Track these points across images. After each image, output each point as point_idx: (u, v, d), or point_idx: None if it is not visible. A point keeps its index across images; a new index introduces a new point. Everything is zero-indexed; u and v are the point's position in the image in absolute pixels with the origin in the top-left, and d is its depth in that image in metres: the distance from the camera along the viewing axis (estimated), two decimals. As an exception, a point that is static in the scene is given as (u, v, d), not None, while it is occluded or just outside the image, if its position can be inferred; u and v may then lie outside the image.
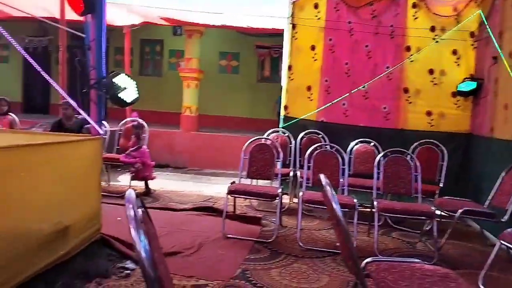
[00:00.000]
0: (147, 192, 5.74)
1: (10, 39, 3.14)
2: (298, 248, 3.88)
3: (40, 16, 6.68)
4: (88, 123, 5.17)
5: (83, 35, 3.50)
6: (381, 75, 5.59)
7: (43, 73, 3.01)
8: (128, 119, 6.44)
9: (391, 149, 4.59)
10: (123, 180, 6.43)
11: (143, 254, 1.18)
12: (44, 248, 2.51)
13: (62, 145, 2.86)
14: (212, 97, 10.48)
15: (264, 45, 10.81)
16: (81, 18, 6.32)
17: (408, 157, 4.58)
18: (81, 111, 3.18)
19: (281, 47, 6.28)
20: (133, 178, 5.64)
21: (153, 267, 1.20)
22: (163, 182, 6.42)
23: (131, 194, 1.34)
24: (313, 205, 4.11)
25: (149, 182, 5.79)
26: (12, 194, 2.29)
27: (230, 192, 4.19)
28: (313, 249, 3.86)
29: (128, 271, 2.98)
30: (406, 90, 5.69)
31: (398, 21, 5.67)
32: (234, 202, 4.85)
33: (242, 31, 9.05)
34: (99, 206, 3.33)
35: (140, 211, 1.34)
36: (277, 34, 7.29)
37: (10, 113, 5.86)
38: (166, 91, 10.57)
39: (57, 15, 6.98)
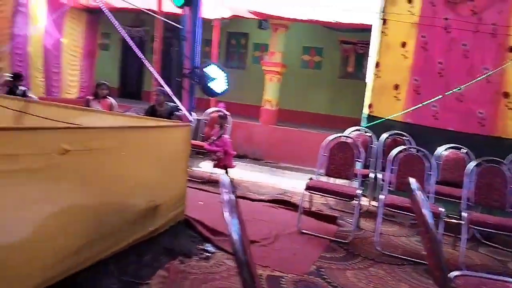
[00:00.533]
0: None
1: (119, 28, 3.44)
2: (375, 252, 3.76)
3: (140, 7, 7.22)
4: (178, 110, 5.52)
5: (180, 26, 3.70)
6: (481, 77, 5.15)
7: (145, 61, 3.24)
8: (213, 109, 6.70)
9: (486, 158, 4.23)
10: (204, 166, 6.72)
11: (235, 237, 1.22)
12: (138, 223, 2.73)
13: (157, 129, 3.07)
14: (292, 91, 10.48)
15: (349, 41, 10.52)
16: (176, 11, 6.69)
17: (505, 168, 4.18)
18: (175, 99, 3.38)
19: (367, 43, 6.07)
20: (214, 166, 5.88)
21: (244, 251, 1.24)
22: (241, 172, 6.59)
23: (226, 179, 1.40)
24: (395, 210, 3.95)
25: (229, 170, 5.98)
26: (114, 170, 2.52)
27: (308, 188, 4.18)
28: (392, 255, 3.72)
29: (209, 254, 3.13)
30: (506, 95, 5.18)
31: (502, 19, 5.17)
32: (311, 199, 4.83)
33: (327, 25, 8.90)
34: (185, 189, 3.53)
35: (233, 196, 1.39)
36: (364, 29, 7.06)
37: (109, 97, 6.37)
38: (248, 84, 10.79)
39: (154, 7, 7.47)
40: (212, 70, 3.28)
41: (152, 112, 5.67)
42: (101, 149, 2.36)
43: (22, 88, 6.56)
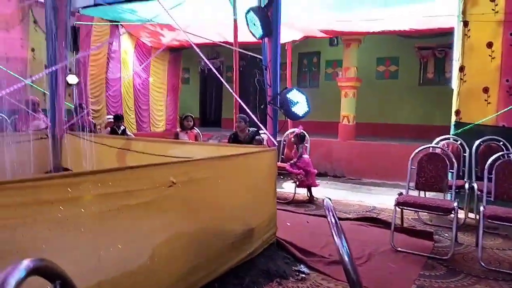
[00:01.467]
0: (311, 199, 5.98)
1: (206, 62, 3.73)
2: (479, 268, 3.51)
3: (218, 41, 7.68)
4: (258, 134, 5.73)
5: (259, 57, 3.90)
6: None
7: (230, 90, 3.45)
8: (291, 130, 6.82)
9: None
10: (287, 187, 6.83)
11: (346, 259, 1.27)
12: (236, 246, 2.88)
13: (247, 156, 3.24)
14: (369, 104, 10.28)
15: (427, 46, 10.11)
16: (252, 40, 7.01)
17: None
18: (260, 125, 3.54)
19: (447, 47, 5.80)
20: (297, 186, 5.96)
21: (355, 270, 1.28)
22: (324, 190, 6.58)
23: (328, 202, 1.46)
24: (497, 222, 3.66)
25: (312, 189, 6.02)
26: (212, 198, 2.71)
27: (398, 203, 4.05)
28: (498, 271, 3.44)
29: (304, 275, 3.18)
30: None
31: None
32: (402, 214, 4.66)
33: (402, 34, 8.67)
34: (275, 211, 3.64)
35: (336, 217, 1.44)
36: (441, 34, 6.76)
37: (195, 128, 6.82)
38: (323, 102, 10.81)
39: (230, 39, 7.90)
40: (294, 95, 3.40)
41: (234, 138, 5.96)
42: (201, 179, 2.57)
43: (122, 127, 7.29)
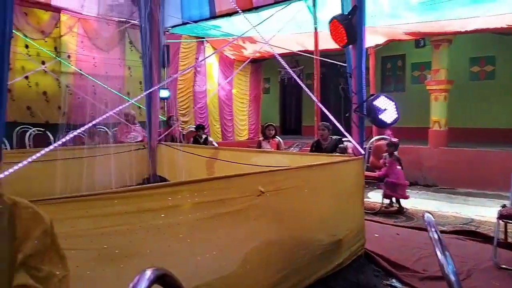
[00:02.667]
0: (400, 210, 5.69)
1: (290, 71, 3.77)
2: None
3: (298, 50, 7.74)
4: (342, 142, 5.62)
5: (343, 64, 3.85)
6: None
7: (314, 98, 3.45)
8: (377, 137, 6.58)
9: None
10: (373, 196, 6.58)
11: (452, 278, 1.19)
12: (324, 257, 2.85)
13: (334, 165, 3.20)
14: (462, 108, 9.53)
15: (529, 42, 9.10)
16: (331, 48, 6.93)
17: None
18: (345, 133, 3.47)
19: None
20: (384, 196, 5.72)
21: (462, 292, 1.20)
22: (414, 201, 6.21)
23: (430, 217, 1.38)
24: None
25: (402, 201, 5.73)
26: (299, 208, 2.72)
27: (502, 216, 3.69)
28: None
29: (396, 290, 3.03)
30: None
31: None
32: (506, 228, 4.22)
33: (499, 31, 7.91)
34: (363, 222, 3.53)
35: (439, 233, 1.36)
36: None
37: (277, 136, 6.91)
38: (410, 106, 10.26)
39: (310, 47, 7.90)
40: (381, 102, 3.28)
41: (317, 146, 5.91)
42: (288, 188, 2.60)
43: (204, 136, 7.65)
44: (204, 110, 10.23)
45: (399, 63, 11.40)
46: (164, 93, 7.44)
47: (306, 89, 3.95)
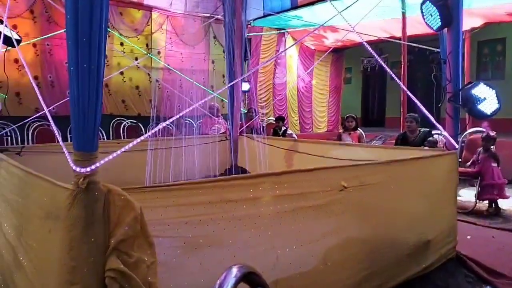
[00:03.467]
0: (496, 210, 5.15)
1: (377, 58, 3.55)
2: None
3: (384, 37, 7.35)
4: (431, 135, 5.21)
5: (435, 50, 3.55)
6: None
7: (403, 87, 3.23)
8: (473, 129, 6.02)
9: None
10: (465, 194, 6.03)
11: None
12: (410, 258, 2.67)
13: (423, 160, 2.97)
14: None
15: None
16: (421, 33, 6.45)
17: None
18: (438, 125, 3.20)
19: None
20: (478, 197, 5.24)
21: None
22: (513, 201, 5.58)
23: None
24: None
25: (500, 201, 5.18)
26: (384, 204, 2.57)
27: None
28: None
29: (493, 299, 2.74)
30: None
31: None
32: None
33: None
34: (455, 223, 3.25)
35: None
36: None
37: (358, 128, 6.64)
38: (509, 95, 9.21)
39: (396, 33, 7.45)
40: (480, 90, 2.96)
41: (403, 139, 5.56)
42: (373, 184, 2.47)
43: (283, 128, 7.64)
44: (283, 102, 10.23)
45: (498, 48, 10.29)
46: (245, 86, 7.56)
47: (396, 78, 3.71)
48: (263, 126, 7.72)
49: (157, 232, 1.67)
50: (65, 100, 4.70)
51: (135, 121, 7.60)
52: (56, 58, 7.08)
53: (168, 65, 8.10)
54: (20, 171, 2.29)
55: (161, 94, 8.42)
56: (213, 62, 9.21)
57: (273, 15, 8.42)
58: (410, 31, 6.90)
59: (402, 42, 6.26)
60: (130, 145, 1.73)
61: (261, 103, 9.70)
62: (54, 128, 2.05)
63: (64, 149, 1.62)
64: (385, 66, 3.63)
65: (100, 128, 1.59)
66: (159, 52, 8.28)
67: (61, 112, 4.78)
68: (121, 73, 7.77)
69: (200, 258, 1.80)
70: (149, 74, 8.18)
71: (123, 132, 7.20)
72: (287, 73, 10.28)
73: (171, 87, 8.05)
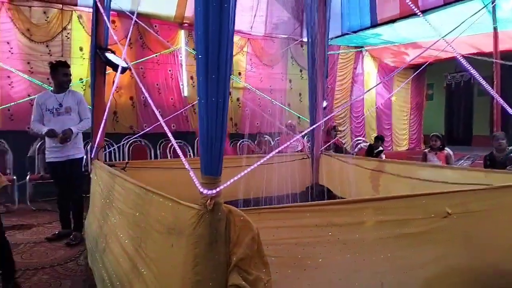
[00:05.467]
0: None
1: (471, 74, 3.38)
2: None
3: (470, 53, 6.99)
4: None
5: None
6: None
7: (499, 100, 3.06)
8: None
9: None
10: None
11: None
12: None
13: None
14: None
15: None
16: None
17: None
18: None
19: None
20: None
21: None
22: None
23: None
24: None
25: None
26: (491, 234, 2.44)
27: None
28: None
29: None
30: None
31: None
32: None
33: None
34: None
35: None
36: None
37: (446, 148, 6.31)
38: None
39: (485, 49, 7.04)
40: None
41: (491, 160, 5.24)
42: (479, 211, 2.36)
43: (380, 148, 7.45)
44: (361, 119, 10.07)
45: None
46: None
47: (495, 94, 3.52)
48: (342, 143, 7.67)
49: (270, 252, 1.76)
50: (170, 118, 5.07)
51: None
52: (149, 80, 7.70)
53: (249, 84, 8.41)
54: (137, 188, 2.54)
55: (241, 113, 8.74)
56: (290, 81, 9.39)
57: (351, 34, 8.43)
58: (502, 46, 6.51)
59: (494, 60, 5.91)
60: (255, 165, 1.88)
61: (337, 120, 9.65)
62: (174, 143, 2.24)
63: (191, 173, 1.79)
64: (479, 80, 3.42)
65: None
66: (239, 73, 8.64)
67: (152, 129, 5.23)
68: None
69: (309, 279, 1.86)
70: (230, 94, 8.56)
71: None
72: (364, 91, 10.14)
73: (250, 105, 8.35)
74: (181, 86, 8.19)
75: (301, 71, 9.27)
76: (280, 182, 4.91)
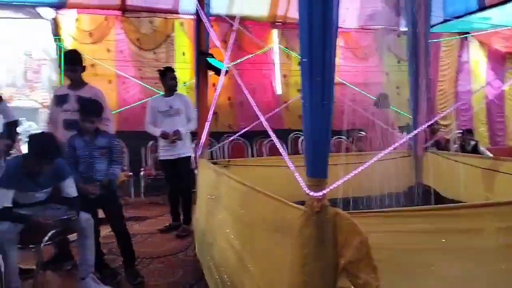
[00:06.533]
0: None
1: None
2: None
3: None
4: None
5: None
6: None
7: None
8: None
9: None
10: None
11: None
12: None
13: None
14: None
15: None
16: None
17: None
18: None
19: None
20: None
21: None
22: None
23: None
24: None
25: None
26: None
27: None
28: None
29: None
30: None
31: None
32: None
33: None
34: None
35: None
36: None
37: None
38: None
39: None
40: None
41: None
42: None
43: (472, 142, 6.87)
44: (468, 112, 9.22)
45: None
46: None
47: None
48: (447, 140, 7.12)
49: (377, 256, 1.73)
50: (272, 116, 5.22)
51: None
52: (244, 80, 7.94)
53: (343, 80, 8.23)
54: (241, 185, 2.67)
55: (334, 109, 8.59)
56: (387, 74, 8.96)
57: (456, 20, 7.77)
58: None
59: None
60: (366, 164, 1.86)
61: (441, 114, 8.97)
62: (277, 143, 2.32)
63: (296, 174, 1.84)
64: None
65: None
66: (333, 68, 8.50)
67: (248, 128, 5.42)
68: (298, 90, 8.27)
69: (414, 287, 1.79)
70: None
71: (301, 146, 7.61)
72: (472, 80, 9.26)
73: (344, 101, 8.16)
74: (274, 85, 8.34)
75: (398, 62, 8.80)
76: (380, 181, 4.73)
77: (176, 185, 4.81)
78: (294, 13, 8.15)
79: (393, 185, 4.83)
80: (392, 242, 1.82)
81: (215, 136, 6.65)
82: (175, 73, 4.88)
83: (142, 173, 6.41)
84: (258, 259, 2.22)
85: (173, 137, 4.59)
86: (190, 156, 4.81)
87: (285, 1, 8.00)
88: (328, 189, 1.70)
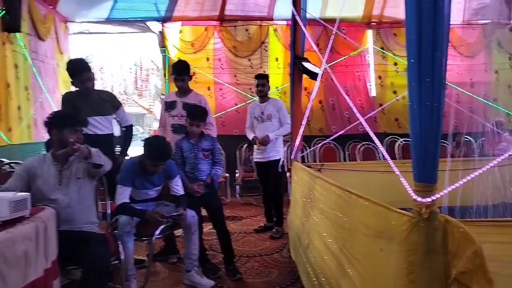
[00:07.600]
0: None
1: None
2: None
3: None
4: None
5: None
6: None
7: None
8: None
9: None
10: None
11: None
12: None
13: None
14: None
15: None
16: None
17: None
18: None
19: None
20: None
21: None
22: None
23: None
24: None
25: None
26: None
27: None
28: None
29: None
30: None
31: None
32: None
33: None
34: None
35: None
36: None
37: None
38: None
39: None
40: None
41: None
42: None
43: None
44: None
45: None
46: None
47: None
48: None
49: (491, 268, 1.60)
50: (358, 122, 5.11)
51: (408, 139, 7.53)
52: (338, 83, 7.87)
53: (446, 80, 7.68)
54: (339, 189, 2.65)
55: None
56: (496, 72, 8.15)
57: None
58: None
59: None
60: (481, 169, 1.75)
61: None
62: (381, 147, 2.28)
63: (402, 179, 1.79)
64: None
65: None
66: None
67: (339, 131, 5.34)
68: (394, 92, 7.92)
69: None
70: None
71: (398, 150, 7.25)
72: None
73: (447, 102, 7.58)
74: (368, 87, 8.09)
75: (510, 59, 7.94)
76: (493, 189, 4.31)
77: (268, 187, 4.96)
78: (391, 12, 7.84)
79: (507, 194, 4.39)
80: (506, 254, 1.68)
81: (306, 140, 6.67)
82: (264, 79, 4.98)
83: (237, 174, 6.69)
84: (358, 264, 2.19)
85: (260, 142, 4.76)
86: (278, 160, 4.91)
87: (380, 0, 7.72)
88: (438, 195, 1.62)
